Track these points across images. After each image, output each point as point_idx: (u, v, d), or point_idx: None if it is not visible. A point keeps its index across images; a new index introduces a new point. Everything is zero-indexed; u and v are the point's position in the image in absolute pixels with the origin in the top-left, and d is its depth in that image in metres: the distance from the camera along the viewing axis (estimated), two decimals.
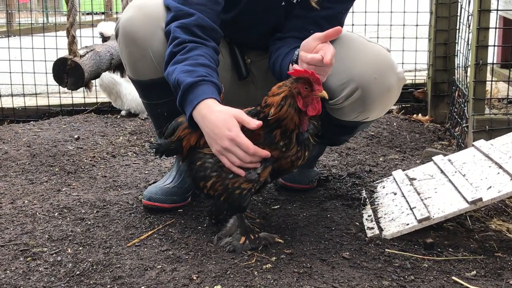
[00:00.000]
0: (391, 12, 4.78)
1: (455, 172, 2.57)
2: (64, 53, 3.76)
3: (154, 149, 2.36)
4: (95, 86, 4.56)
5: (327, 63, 2.18)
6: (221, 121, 2.12)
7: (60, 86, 3.72)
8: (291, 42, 2.53)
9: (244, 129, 2.12)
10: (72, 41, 3.60)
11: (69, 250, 2.24)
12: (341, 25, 2.60)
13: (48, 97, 5.03)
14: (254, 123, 2.12)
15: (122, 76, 4.35)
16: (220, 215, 2.27)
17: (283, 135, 2.15)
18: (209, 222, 2.38)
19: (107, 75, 4.57)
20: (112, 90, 4.74)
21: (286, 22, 2.59)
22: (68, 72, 3.60)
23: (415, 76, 4.96)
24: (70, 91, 4.65)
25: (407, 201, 2.51)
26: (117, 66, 4.06)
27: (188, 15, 2.35)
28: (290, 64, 2.40)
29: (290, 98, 2.13)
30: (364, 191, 2.83)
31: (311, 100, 2.15)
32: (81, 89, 4.15)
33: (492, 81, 4.14)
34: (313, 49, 2.26)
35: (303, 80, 2.13)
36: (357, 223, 2.48)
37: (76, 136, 3.89)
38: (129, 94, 4.67)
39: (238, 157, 2.12)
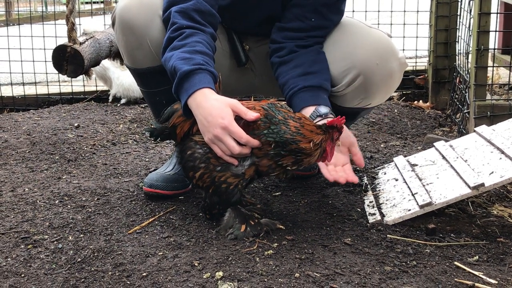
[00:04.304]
0: None
1: (457, 157, 2.56)
2: (63, 41, 3.74)
3: (149, 132, 2.36)
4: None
5: (361, 166, 2.37)
6: (215, 109, 2.10)
7: (60, 74, 3.71)
8: (295, 52, 2.48)
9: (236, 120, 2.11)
10: (71, 28, 3.58)
11: (70, 237, 2.24)
12: (341, 12, 2.57)
13: (47, 85, 5.02)
14: (252, 114, 2.11)
15: (121, 64, 4.33)
16: (213, 210, 2.27)
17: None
18: (204, 217, 2.37)
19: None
20: (105, 76, 4.73)
21: (285, 12, 2.55)
22: (67, 60, 3.58)
23: (416, 62, 4.95)
24: (69, 79, 4.65)
25: (408, 187, 2.50)
26: (116, 54, 4.04)
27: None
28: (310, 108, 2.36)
29: (324, 140, 2.16)
30: (365, 177, 2.82)
31: (333, 148, 2.19)
32: (80, 77, 4.14)
33: (493, 66, 4.12)
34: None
35: (336, 129, 2.16)
36: (359, 209, 2.47)
37: (76, 124, 3.88)
38: (117, 79, 4.65)
39: (228, 147, 2.10)
